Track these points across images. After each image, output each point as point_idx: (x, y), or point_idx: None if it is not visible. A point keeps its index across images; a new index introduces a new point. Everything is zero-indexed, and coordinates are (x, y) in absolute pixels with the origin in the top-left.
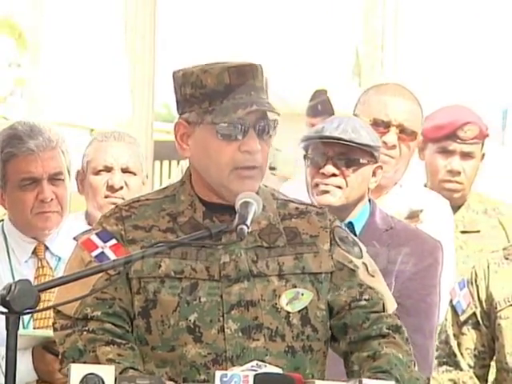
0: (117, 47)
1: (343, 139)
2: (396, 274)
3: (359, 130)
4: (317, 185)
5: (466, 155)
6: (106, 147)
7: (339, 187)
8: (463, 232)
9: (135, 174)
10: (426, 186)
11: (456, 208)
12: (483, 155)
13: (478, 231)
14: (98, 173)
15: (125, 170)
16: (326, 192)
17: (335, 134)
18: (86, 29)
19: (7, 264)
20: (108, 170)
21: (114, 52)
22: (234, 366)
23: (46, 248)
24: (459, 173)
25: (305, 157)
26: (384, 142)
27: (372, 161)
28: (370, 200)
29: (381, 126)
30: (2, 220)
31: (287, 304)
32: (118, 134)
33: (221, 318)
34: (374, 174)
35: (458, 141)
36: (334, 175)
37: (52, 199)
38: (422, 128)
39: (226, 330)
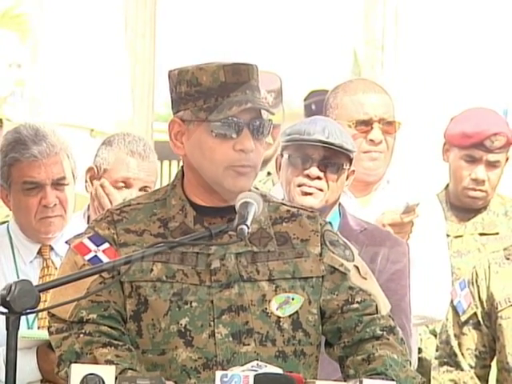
0: (117, 47)
1: (334, 144)
2: (377, 275)
3: (343, 135)
4: (300, 185)
5: (491, 164)
6: (131, 162)
7: (321, 190)
8: (482, 234)
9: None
10: (447, 188)
11: (476, 211)
12: (507, 159)
13: (497, 233)
14: (117, 185)
15: (142, 189)
16: (309, 194)
17: (323, 138)
18: (86, 29)
19: (12, 264)
20: (128, 185)
21: (114, 52)
22: (224, 370)
23: (51, 248)
24: (483, 181)
25: (282, 155)
26: (371, 140)
27: (349, 166)
28: (339, 203)
29: (362, 125)
30: (5, 221)
31: (277, 309)
32: (143, 151)
33: (211, 323)
34: (347, 177)
35: (485, 149)
36: (318, 178)
37: (55, 204)
38: (448, 131)
39: (216, 334)
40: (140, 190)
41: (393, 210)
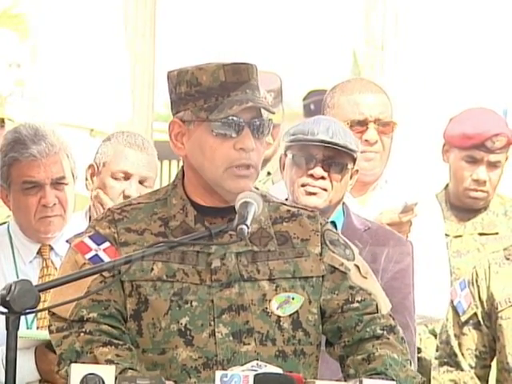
0: (117, 47)
1: (338, 144)
2: (380, 274)
3: (347, 135)
4: (303, 185)
5: (492, 165)
6: (129, 154)
7: (325, 190)
8: (481, 234)
9: (151, 188)
10: (447, 187)
11: (476, 211)
12: (507, 158)
13: (497, 233)
14: (116, 177)
15: (142, 182)
16: (313, 194)
17: (327, 138)
18: (86, 28)
19: (12, 264)
20: (127, 177)
21: (114, 52)
22: (224, 369)
23: (51, 248)
24: (485, 182)
25: (285, 155)
26: (366, 140)
27: (353, 165)
28: (343, 203)
29: (358, 125)
30: (5, 222)
31: (278, 308)
32: (141, 143)
33: (212, 322)
34: (350, 177)
35: (486, 150)
36: (322, 178)
37: (55, 204)
38: (448, 132)
39: (216, 334)
40: (140, 182)
41: (391, 209)
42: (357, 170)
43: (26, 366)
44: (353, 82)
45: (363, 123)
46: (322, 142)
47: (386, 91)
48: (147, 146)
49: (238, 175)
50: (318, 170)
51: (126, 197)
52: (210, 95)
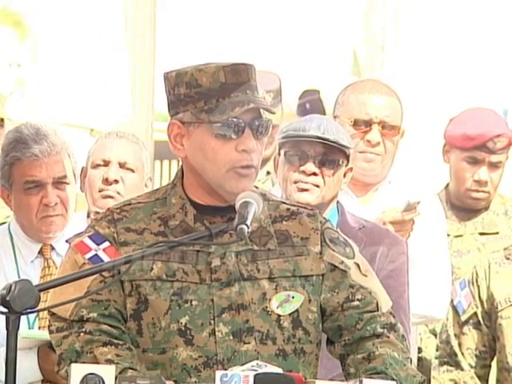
0: (117, 47)
1: (329, 140)
2: (375, 272)
3: (339, 131)
4: (296, 182)
5: (493, 165)
6: (107, 143)
7: (317, 186)
8: (482, 234)
9: (133, 171)
10: (447, 187)
11: (477, 210)
12: (507, 158)
13: (497, 233)
14: (96, 167)
15: (123, 166)
16: (305, 190)
17: (318, 134)
18: (86, 29)
19: (13, 264)
20: (106, 163)
21: (114, 52)
22: (224, 369)
23: (52, 248)
24: (486, 183)
25: (279, 153)
26: (368, 141)
27: (346, 162)
28: (337, 201)
29: (362, 125)
30: (4, 222)
31: (278, 307)
32: (121, 133)
33: (212, 322)
34: (344, 175)
35: (487, 151)
36: (314, 174)
37: (56, 203)
38: (448, 132)
39: (217, 333)
40: (121, 167)
41: (394, 207)
42: (350, 168)
43: (29, 366)
44: (365, 82)
45: (367, 123)
46: (313, 137)
47: (398, 95)
48: (128, 135)
49: (240, 175)
50: (310, 166)
51: (104, 180)
52: (211, 97)
